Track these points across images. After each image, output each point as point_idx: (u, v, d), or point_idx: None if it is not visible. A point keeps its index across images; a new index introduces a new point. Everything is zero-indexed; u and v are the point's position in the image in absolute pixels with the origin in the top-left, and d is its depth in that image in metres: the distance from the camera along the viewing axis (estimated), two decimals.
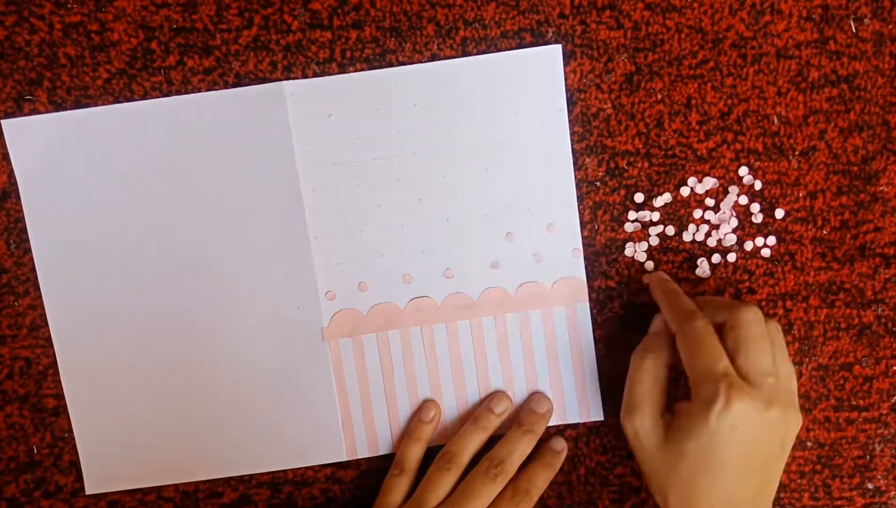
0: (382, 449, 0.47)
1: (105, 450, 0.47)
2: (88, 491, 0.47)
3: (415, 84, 0.45)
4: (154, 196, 0.46)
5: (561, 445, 0.47)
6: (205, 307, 0.46)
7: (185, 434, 0.47)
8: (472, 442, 0.45)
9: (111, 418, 0.47)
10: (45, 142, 0.45)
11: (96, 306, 0.46)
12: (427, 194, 0.46)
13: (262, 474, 0.47)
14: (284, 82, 0.45)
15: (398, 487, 0.45)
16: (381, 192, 0.46)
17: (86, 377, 0.47)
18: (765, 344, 0.40)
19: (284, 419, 0.47)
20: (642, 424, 0.42)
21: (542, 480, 0.45)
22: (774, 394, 0.40)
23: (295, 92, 0.45)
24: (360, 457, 0.47)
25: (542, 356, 0.47)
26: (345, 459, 0.47)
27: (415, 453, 0.46)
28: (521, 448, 0.45)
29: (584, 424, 0.48)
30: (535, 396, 0.47)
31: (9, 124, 0.45)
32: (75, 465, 0.47)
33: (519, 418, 0.46)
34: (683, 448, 0.40)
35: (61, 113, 0.45)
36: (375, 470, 0.48)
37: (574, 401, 0.47)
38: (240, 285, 0.46)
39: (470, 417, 0.46)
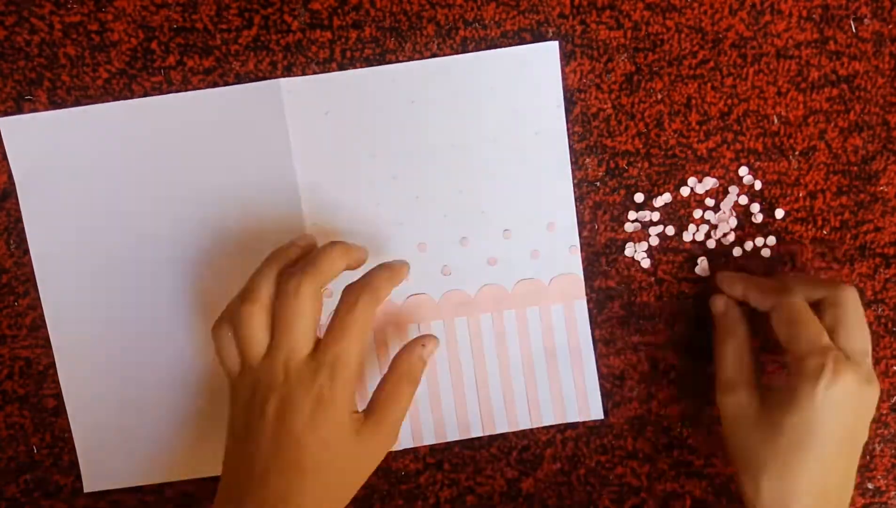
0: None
1: (103, 448, 0.47)
2: (87, 489, 0.47)
3: (412, 81, 0.45)
4: (151, 194, 0.46)
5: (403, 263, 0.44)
6: (203, 305, 0.46)
7: (184, 432, 0.47)
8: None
9: (109, 416, 0.47)
10: (41, 140, 0.45)
11: (94, 306, 0.46)
12: (424, 190, 0.46)
13: None
14: (281, 79, 0.45)
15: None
16: (378, 189, 0.46)
17: (83, 376, 0.46)
18: (864, 324, 0.41)
19: None
20: (739, 398, 0.42)
21: (380, 277, 0.41)
22: (872, 374, 0.40)
23: (292, 89, 0.45)
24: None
25: (540, 353, 0.47)
26: None
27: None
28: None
29: (583, 424, 0.48)
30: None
31: (6, 123, 0.45)
32: (75, 465, 0.47)
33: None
34: (782, 421, 0.39)
35: (58, 111, 0.45)
36: (377, 470, 0.48)
37: (573, 399, 0.47)
38: (239, 281, 0.46)
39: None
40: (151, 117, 0.45)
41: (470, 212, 0.46)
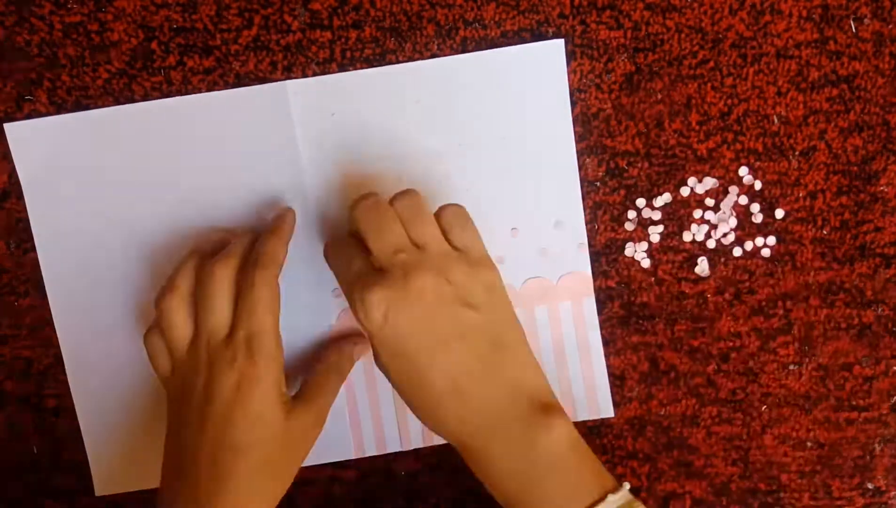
0: (390, 447, 0.47)
1: (113, 451, 0.47)
2: (98, 493, 0.47)
3: (418, 81, 0.45)
4: (159, 197, 0.46)
5: (288, 210, 0.45)
6: None
7: None
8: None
9: (118, 419, 0.47)
10: (47, 144, 0.45)
11: (101, 308, 0.46)
12: (431, 190, 0.46)
13: None
14: (288, 81, 0.45)
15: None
16: (385, 189, 0.46)
17: (92, 379, 0.47)
18: (384, 224, 0.38)
19: None
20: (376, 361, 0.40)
21: (273, 246, 0.41)
22: (409, 266, 0.37)
23: (298, 91, 0.45)
24: (367, 455, 0.47)
25: (549, 351, 0.47)
26: (353, 457, 0.47)
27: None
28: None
29: (583, 424, 0.48)
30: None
31: (11, 128, 0.45)
32: (76, 465, 0.47)
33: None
34: (382, 364, 0.38)
35: (64, 116, 0.45)
36: (376, 470, 0.48)
37: (583, 397, 0.47)
38: None
39: None
40: (158, 121, 0.45)
41: (477, 211, 0.46)
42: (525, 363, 0.40)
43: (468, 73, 0.45)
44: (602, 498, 0.37)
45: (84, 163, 0.45)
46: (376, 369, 0.46)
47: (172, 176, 0.45)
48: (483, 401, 0.38)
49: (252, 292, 0.39)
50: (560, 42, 0.45)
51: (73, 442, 0.47)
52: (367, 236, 0.39)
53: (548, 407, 0.39)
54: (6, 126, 0.45)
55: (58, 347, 0.46)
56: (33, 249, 0.46)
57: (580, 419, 0.47)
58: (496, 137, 0.46)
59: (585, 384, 0.47)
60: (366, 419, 0.47)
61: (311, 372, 0.43)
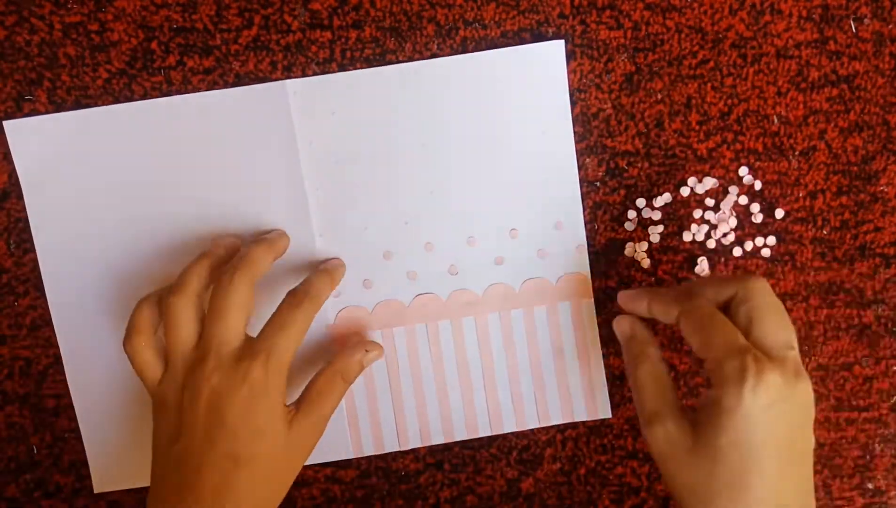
0: (388, 447, 0.47)
1: (111, 448, 0.47)
2: (97, 490, 0.47)
3: (418, 81, 0.45)
4: (158, 196, 0.46)
5: (339, 261, 0.45)
6: None
7: None
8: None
9: (116, 417, 0.47)
10: (46, 143, 0.45)
11: (100, 308, 0.46)
12: (431, 191, 0.46)
13: None
14: (287, 81, 0.45)
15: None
16: (385, 189, 0.46)
17: (90, 377, 0.46)
18: (782, 314, 0.38)
19: None
20: (667, 429, 0.37)
21: (320, 282, 0.42)
22: (800, 367, 0.36)
23: (298, 90, 0.45)
24: (366, 455, 0.47)
25: (548, 352, 0.47)
26: (351, 457, 0.47)
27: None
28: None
29: (584, 423, 0.48)
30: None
31: (11, 126, 0.45)
32: (75, 465, 0.47)
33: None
34: (716, 443, 0.35)
35: (63, 113, 0.45)
36: (376, 470, 0.48)
37: (581, 398, 0.47)
38: None
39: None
40: (157, 120, 0.45)
41: (477, 211, 0.46)
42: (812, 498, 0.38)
43: (468, 73, 0.45)
44: None
45: (83, 161, 0.45)
46: (375, 368, 0.46)
47: (171, 175, 0.45)
48: None
49: (292, 314, 0.40)
50: (560, 43, 0.45)
51: (73, 442, 0.47)
52: (762, 318, 0.37)
53: None
54: (6, 124, 0.45)
55: (57, 347, 0.46)
56: (33, 249, 0.46)
57: (578, 419, 0.47)
58: (496, 138, 0.46)
59: (584, 386, 0.47)
60: (364, 419, 0.47)
61: (316, 376, 0.42)
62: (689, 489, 0.37)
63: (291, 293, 0.41)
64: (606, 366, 0.47)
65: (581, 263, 0.47)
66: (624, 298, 0.44)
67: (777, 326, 0.37)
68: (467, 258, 0.46)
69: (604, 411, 0.47)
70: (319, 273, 0.43)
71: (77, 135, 0.45)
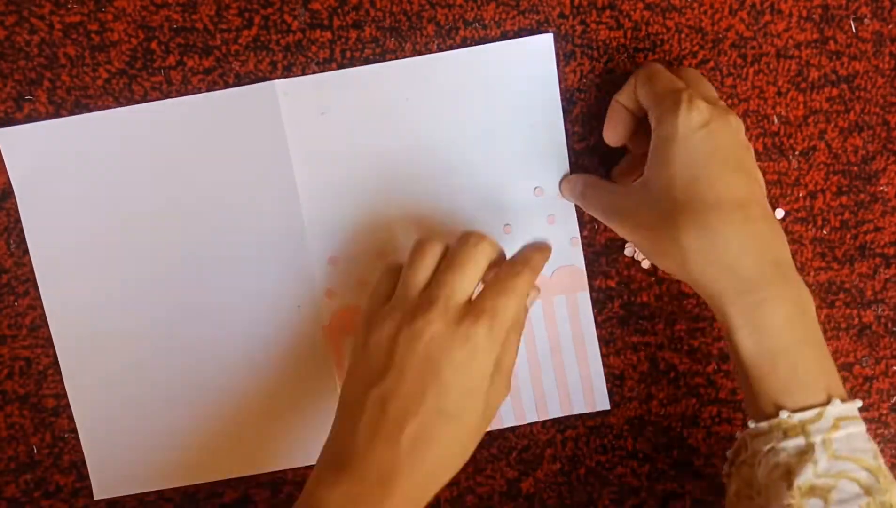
0: None
1: (111, 454, 0.47)
2: (97, 497, 0.47)
3: (407, 78, 0.45)
4: (150, 199, 0.46)
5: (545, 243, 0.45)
6: (204, 309, 0.46)
7: (186, 437, 0.47)
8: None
9: (115, 422, 0.47)
10: (39, 149, 0.45)
11: (95, 312, 0.46)
12: (423, 188, 0.46)
13: (262, 474, 0.47)
14: (276, 81, 0.45)
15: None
16: (377, 187, 0.46)
17: (88, 383, 0.46)
18: (708, 83, 0.42)
19: (286, 419, 0.47)
20: (630, 182, 0.42)
21: (537, 255, 0.43)
22: (728, 109, 0.40)
23: (287, 90, 0.45)
24: None
25: (545, 345, 0.47)
26: None
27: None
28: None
29: (583, 424, 0.48)
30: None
31: (3, 134, 0.45)
32: (75, 465, 0.47)
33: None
34: (670, 173, 0.39)
35: (52, 120, 0.45)
36: None
37: (579, 390, 0.47)
38: (239, 285, 0.46)
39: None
40: (147, 123, 0.45)
41: (470, 207, 0.46)
42: (782, 235, 0.40)
43: (458, 69, 0.45)
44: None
45: (74, 165, 0.45)
46: None
47: (163, 178, 0.45)
48: (766, 237, 0.39)
49: (512, 280, 0.40)
50: (549, 36, 0.45)
51: (73, 442, 0.47)
52: (697, 86, 0.42)
53: (794, 273, 0.39)
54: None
55: None
56: None
57: (576, 412, 0.47)
58: (488, 133, 0.46)
59: (581, 378, 0.47)
60: None
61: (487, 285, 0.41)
62: (650, 227, 0.40)
63: (510, 262, 0.41)
64: (607, 367, 0.47)
65: (575, 256, 0.47)
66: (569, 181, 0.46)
67: (707, 87, 0.42)
68: None
69: (602, 402, 0.47)
70: (536, 250, 0.43)
71: (67, 140, 0.45)
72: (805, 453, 0.37)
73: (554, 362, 0.47)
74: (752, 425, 0.39)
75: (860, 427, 0.38)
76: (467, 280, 0.39)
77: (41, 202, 0.46)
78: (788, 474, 0.37)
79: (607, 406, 0.47)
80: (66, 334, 0.46)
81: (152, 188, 0.46)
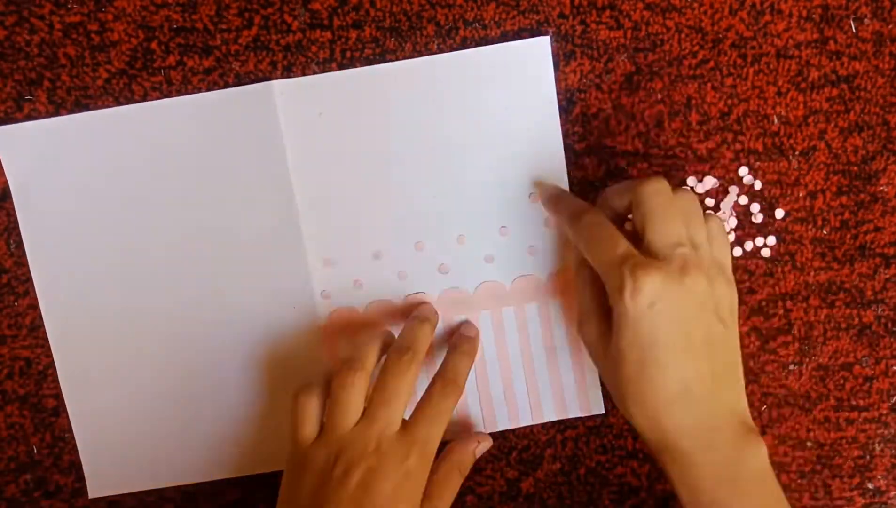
0: None
1: (106, 453, 0.47)
2: (91, 495, 0.47)
3: (404, 80, 0.45)
4: (146, 200, 0.46)
5: (473, 330, 0.46)
6: (200, 309, 0.46)
7: (184, 436, 0.47)
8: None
9: (110, 422, 0.47)
10: (36, 148, 0.45)
11: (92, 312, 0.46)
12: (419, 189, 0.46)
13: (262, 474, 0.47)
14: (274, 82, 0.45)
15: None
16: (374, 189, 0.46)
17: (85, 383, 0.46)
18: (670, 214, 0.38)
19: (284, 419, 0.47)
20: (589, 333, 0.41)
21: (465, 368, 0.44)
22: (688, 263, 0.37)
23: (284, 91, 0.45)
24: None
25: (540, 349, 0.47)
26: None
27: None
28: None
29: (583, 423, 0.48)
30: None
31: (1, 132, 0.45)
32: (75, 465, 0.47)
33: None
34: (620, 347, 0.38)
35: (52, 119, 0.45)
36: None
37: (573, 395, 0.47)
38: (234, 286, 0.46)
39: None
40: (144, 124, 0.45)
41: (466, 209, 0.46)
42: (741, 387, 0.40)
43: (455, 71, 0.45)
44: None
45: (71, 165, 0.45)
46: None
47: (159, 178, 0.45)
48: (705, 412, 0.38)
49: (443, 403, 0.41)
50: (545, 39, 0.45)
51: (73, 442, 0.47)
52: (650, 221, 0.38)
53: (753, 431, 0.39)
54: None
55: None
56: None
57: (571, 416, 0.47)
58: (484, 135, 0.46)
59: (576, 382, 0.47)
60: None
61: (434, 468, 0.42)
62: (609, 382, 0.40)
63: (441, 381, 0.42)
64: None
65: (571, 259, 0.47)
66: (546, 199, 0.45)
67: (664, 226, 0.38)
68: (457, 257, 0.46)
69: (597, 407, 0.47)
70: (462, 356, 0.44)
71: (64, 140, 0.45)
72: None
73: (549, 365, 0.47)
74: None
75: None
76: (399, 410, 0.41)
77: (39, 202, 0.46)
78: None
79: (602, 410, 0.47)
80: (62, 333, 0.46)
81: (147, 189, 0.46)
